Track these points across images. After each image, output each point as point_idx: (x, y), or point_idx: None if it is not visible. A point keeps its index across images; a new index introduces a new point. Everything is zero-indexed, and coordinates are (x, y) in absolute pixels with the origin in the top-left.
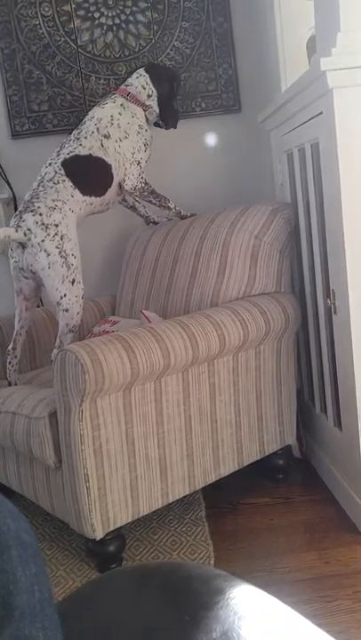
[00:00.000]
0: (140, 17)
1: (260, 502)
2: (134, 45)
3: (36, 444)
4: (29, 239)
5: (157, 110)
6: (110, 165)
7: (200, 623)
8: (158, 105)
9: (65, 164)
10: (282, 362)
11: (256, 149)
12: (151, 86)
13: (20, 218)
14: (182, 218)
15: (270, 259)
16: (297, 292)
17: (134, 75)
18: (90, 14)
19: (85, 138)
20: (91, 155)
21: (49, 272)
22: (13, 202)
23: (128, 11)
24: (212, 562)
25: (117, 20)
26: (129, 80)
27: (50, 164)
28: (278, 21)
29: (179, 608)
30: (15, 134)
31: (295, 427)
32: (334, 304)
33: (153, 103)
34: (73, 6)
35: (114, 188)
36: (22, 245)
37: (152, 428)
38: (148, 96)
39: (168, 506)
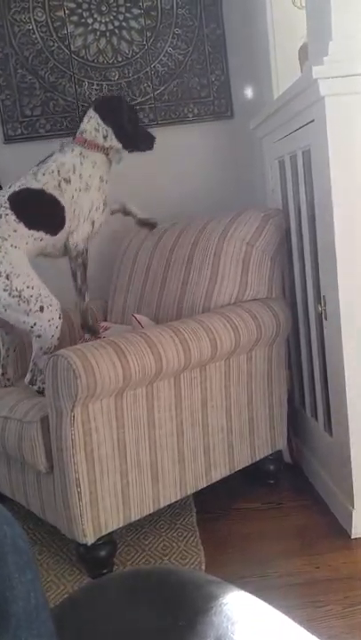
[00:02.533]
0: (133, 23)
1: (251, 507)
2: (127, 51)
3: (27, 448)
4: None
5: (120, 146)
6: (64, 208)
7: (194, 629)
8: (119, 140)
9: (12, 197)
10: (273, 367)
11: (248, 156)
12: (103, 126)
13: None
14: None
15: (262, 265)
16: (288, 298)
17: (85, 118)
18: (83, 20)
19: (43, 174)
20: (43, 190)
21: (8, 313)
22: None
23: (121, 17)
24: (204, 567)
25: (110, 26)
26: (82, 125)
27: None
28: (270, 29)
29: (173, 614)
30: (8, 139)
31: (286, 432)
32: (325, 310)
33: (112, 142)
34: (66, 12)
35: (65, 234)
36: None
37: (144, 433)
38: (105, 137)
39: (159, 511)
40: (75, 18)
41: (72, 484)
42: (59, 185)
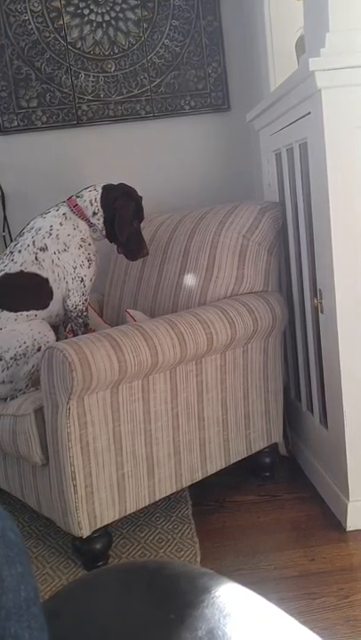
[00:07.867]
0: (129, 14)
1: (247, 500)
2: (124, 43)
3: (22, 441)
4: None
5: (103, 231)
6: (47, 279)
7: (186, 622)
8: (105, 227)
9: None
10: (269, 360)
11: (245, 148)
12: (99, 205)
13: None
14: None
15: (258, 258)
16: (284, 292)
17: (90, 187)
18: (79, 11)
19: (19, 252)
20: (22, 271)
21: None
22: (1, 198)
23: (118, 8)
24: (199, 559)
25: (107, 17)
26: (82, 191)
27: None
28: (268, 21)
29: (165, 607)
30: (4, 130)
31: (282, 425)
32: (321, 303)
33: (98, 222)
34: (62, 2)
35: (58, 302)
36: None
37: (139, 426)
38: (94, 213)
39: (155, 504)
40: (71, 9)
41: (68, 477)
42: (35, 258)
